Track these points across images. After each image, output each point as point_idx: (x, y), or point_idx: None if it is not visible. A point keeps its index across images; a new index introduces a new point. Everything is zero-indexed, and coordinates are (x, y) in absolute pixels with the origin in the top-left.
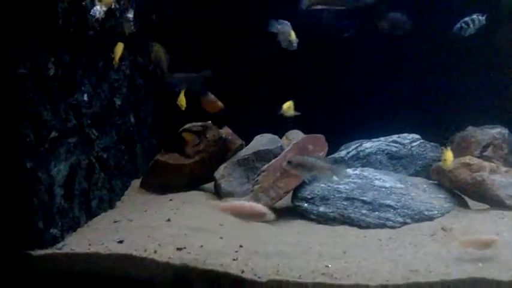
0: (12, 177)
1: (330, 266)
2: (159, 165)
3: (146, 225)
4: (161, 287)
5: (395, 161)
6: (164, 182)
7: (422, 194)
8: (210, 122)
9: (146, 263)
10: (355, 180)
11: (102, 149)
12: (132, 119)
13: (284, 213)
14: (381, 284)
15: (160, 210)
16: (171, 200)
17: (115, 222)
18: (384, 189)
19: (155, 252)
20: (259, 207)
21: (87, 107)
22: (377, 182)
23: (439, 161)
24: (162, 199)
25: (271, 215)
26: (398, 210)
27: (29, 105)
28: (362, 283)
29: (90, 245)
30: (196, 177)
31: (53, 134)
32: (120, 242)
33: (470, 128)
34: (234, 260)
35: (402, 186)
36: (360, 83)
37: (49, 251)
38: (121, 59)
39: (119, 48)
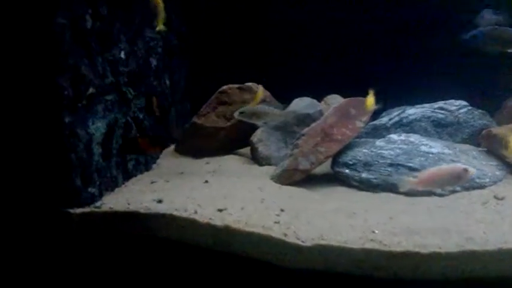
0: (50, 133)
1: (376, 232)
2: (196, 127)
3: (184, 186)
4: (202, 247)
5: (440, 129)
6: (199, 146)
7: (473, 160)
8: (250, 83)
9: (187, 223)
10: (400, 146)
11: (138, 109)
12: (167, 81)
13: (323, 180)
14: (433, 252)
15: (197, 172)
16: (207, 163)
17: (152, 183)
18: (431, 155)
19: (195, 212)
20: (459, 166)
21: (124, 65)
22: (423, 148)
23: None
24: (198, 162)
25: (472, 170)
26: None
27: (69, 57)
28: (413, 250)
29: (129, 204)
30: (232, 141)
31: (91, 89)
32: (160, 201)
33: None
34: (275, 223)
35: (451, 152)
36: (401, 43)
37: (87, 209)
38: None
39: (160, 6)
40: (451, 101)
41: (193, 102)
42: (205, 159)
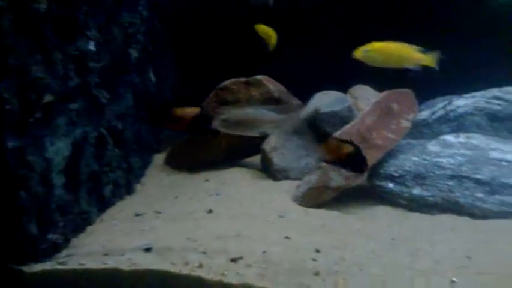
0: None
1: (456, 280)
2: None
3: (181, 220)
4: None
5: (497, 124)
6: (195, 157)
7: None
8: (260, 76)
9: (189, 283)
10: (461, 152)
11: (116, 117)
12: (153, 77)
13: (359, 197)
14: None
15: (196, 196)
16: (207, 180)
17: (137, 215)
18: (505, 163)
19: (200, 266)
20: None
21: (95, 60)
22: (494, 154)
23: None
24: (195, 180)
25: None
26: None
27: (11, 54)
28: None
29: (106, 255)
30: (236, 149)
31: (48, 97)
32: (148, 250)
33: None
34: (315, 275)
35: None
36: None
37: (47, 265)
38: None
39: None
40: (507, 88)
41: (186, 101)
42: (204, 175)
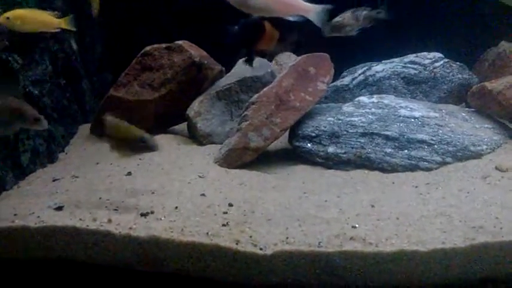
0: None
1: (357, 225)
2: (114, 102)
3: (98, 182)
4: (119, 270)
5: (413, 87)
6: None
7: (464, 124)
8: (181, 42)
9: (98, 238)
10: (373, 110)
11: (32, 83)
12: (74, 45)
13: (280, 158)
14: (435, 249)
15: (117, 162)
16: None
17: (54, 180)
18: (413, 119)
19: (110, 221)
20: None
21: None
22: (403, 111)
23: (469, 85)
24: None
25: None
26: (435, 146)
27: None
28: (408, 249)
29: (15, 215)
30: (164, 117)
31: None
32: (59, 208)
33: (504, 43)
34: (223, 225)
35: (436, 115)
36: None
37: None
38: None
39: None
40: (423, 53)
41: (116, 72)
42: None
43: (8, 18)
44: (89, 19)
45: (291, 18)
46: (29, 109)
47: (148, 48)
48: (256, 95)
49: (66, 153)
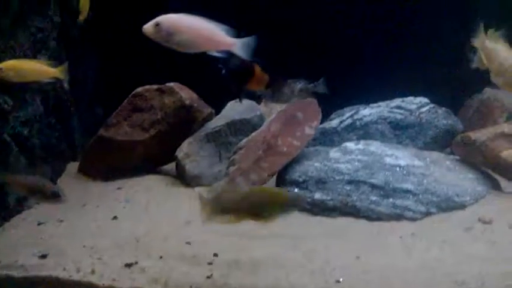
0: None
1: (341, 280)
2: (103, 142)
3: (83, 227)
4: None
5: (400, 132)
6: (110, 165)
7: (448, 173)
8: (172, 84)
9: None
10: (359, 158)
11: (21, 124)
12: (66, 84)
13: None
14: None
15: (104, 204)
16: (119, 188)
17: (39, 224)
18: (398, 168)
19: (93, 272)
20: None
21: None
22: (388, 160)
23: (454, 131)
24: (108, 187)
25: None
26: (420, 196)
27: None
28: None
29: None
30: (153, 157)
31: None
32: (43, 256)
33: (488, 90)
34: (208, 277)
35: (421, 164)
36: (353, 34)
37: None
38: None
39: None
40: (409, 98)
41: (107, 106)
42: (118, 182)
43: (1, 68)
44: (83, 54)
45: (216, 54)
46: (48, 186)
47: (139, 89)
48: (244, 140)
49: None
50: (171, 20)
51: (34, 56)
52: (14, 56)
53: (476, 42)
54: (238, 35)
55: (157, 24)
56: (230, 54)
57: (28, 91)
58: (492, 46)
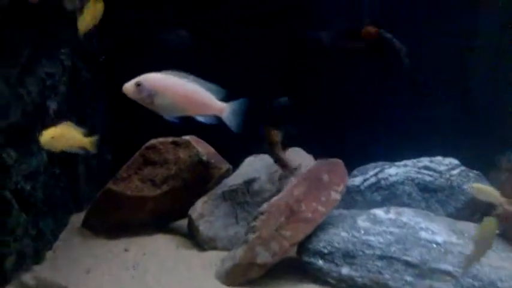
0: None
1: None
2: (111, 197)
3: None
4: None
5: (428, 195)
6: (117, 221)
7: (489, 252)
8: (188, 137)
9: None
10: (391, 229)
11: (24, 178)
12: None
13: (288, 272)
14: None
15: (110, 270)
16: (126, 250)
17: None
18: (435, 245)
19: None
20: None
21: (1, 117)
22: (423, 234)
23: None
24: (114, 248)
25: None
26: (460, 279)
27: None
28: None
29: None
30: (164, 214)
31: None
32: None
33: None
34: None
35: (460, 241)
36: (372, 85)
37: None
38: (60, 43)
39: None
40: (438, 158)
41: (116, 152)
42: (124, 242)
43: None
44: (93, 98)
45: (201, 119)
46: None
47: (153, 141)
48: (266, 205)
49: (54, 252)
50: (152, 79)
51: (43, 102)
52: (23, 104)
53: None
54: (227, 95)
55: (138, 84)
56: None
57: (35, 141)
58: None
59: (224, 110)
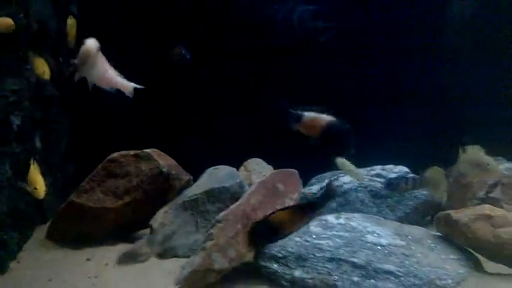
0: None
1: None
2: (74, 208)
3: None
4: None
5: (379, 200)
6: (80, 232)
7: (430, 253)
8: (150, 150)
9: None
10: (340, 234)
11: None
12: (38, 143)
13: (245, 276)
14: None
15: (71, 279)
16: (88, 259)
17: None
18: (379, 247)
19: None
20: None
21: None
22: (370, 238)
23: (434, 200)
24: (77, 258)
25: None
26: (402, 278)
27: None
28: None
29: None
30: (126, 224)
31: None
32: None
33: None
34: None
35: (403, 243)
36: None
37: None
38: (24, 61)
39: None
40: (390, 166)
41: (79, 163)
42: (87, 252)
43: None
44: (58, 113)
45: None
46: None
47: (115, 154)
48: (222, 213)
49: (19, 262)
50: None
51: (6, 118)
52: None
53: None
54: None
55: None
56: None
57: None
58: None
59: (130, 87)
